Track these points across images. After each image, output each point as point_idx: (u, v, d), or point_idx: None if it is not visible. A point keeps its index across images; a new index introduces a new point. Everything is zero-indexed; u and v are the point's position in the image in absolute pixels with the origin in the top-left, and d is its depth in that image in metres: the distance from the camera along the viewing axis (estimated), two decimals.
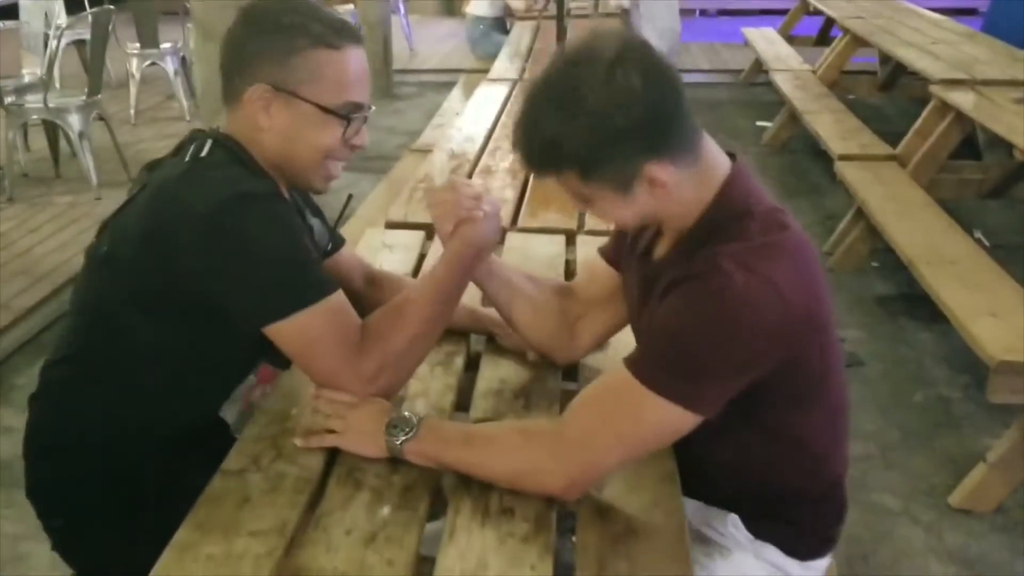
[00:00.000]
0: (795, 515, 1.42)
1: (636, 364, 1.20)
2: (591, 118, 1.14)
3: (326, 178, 1.46)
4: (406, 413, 1.34)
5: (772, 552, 1.41)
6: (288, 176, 1.45)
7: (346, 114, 1.39)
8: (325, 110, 1.37)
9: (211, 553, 1.16)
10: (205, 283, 1.30)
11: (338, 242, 1.74)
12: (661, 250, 1.35)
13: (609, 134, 1.15)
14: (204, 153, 1.37)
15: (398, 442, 1.31)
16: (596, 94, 1.13)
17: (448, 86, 6.03)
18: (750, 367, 1.18)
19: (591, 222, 2.35)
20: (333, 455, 1.38)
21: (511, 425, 1.44)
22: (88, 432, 1.47)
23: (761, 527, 1.41)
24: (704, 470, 1.36)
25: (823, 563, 1.47)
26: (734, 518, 1.41)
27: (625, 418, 1.21)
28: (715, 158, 1.27)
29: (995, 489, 2.53)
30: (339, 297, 1.36)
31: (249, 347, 1.36)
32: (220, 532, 1.20)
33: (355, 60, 1.40)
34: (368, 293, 1.73)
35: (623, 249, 1.50)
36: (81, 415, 1.47)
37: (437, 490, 1.33)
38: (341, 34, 1.38)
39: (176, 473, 1.43)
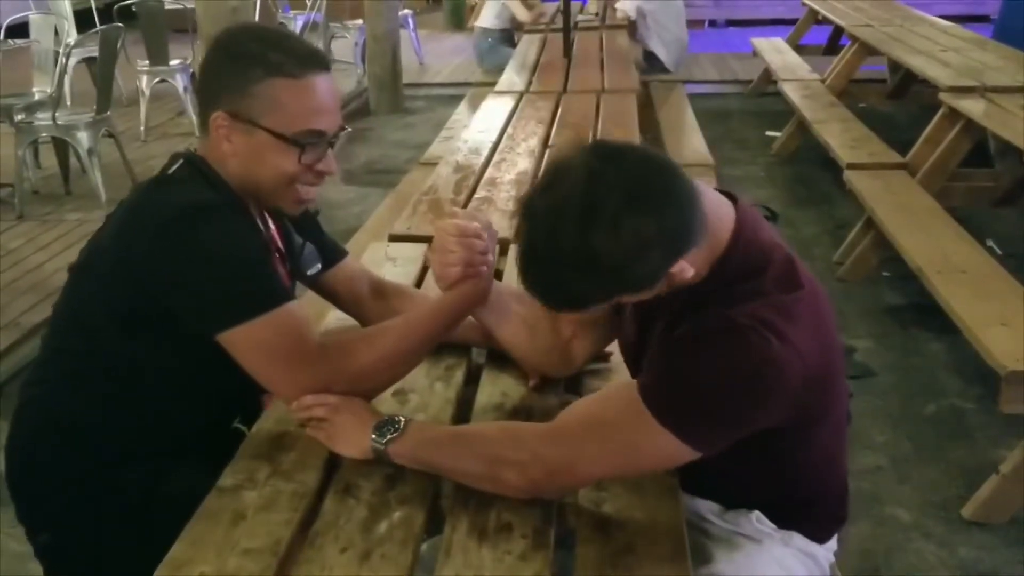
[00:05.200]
0: (811, 508, 1.44)
1: (648, 392, 1.20)
2: (612, 274, 1.12)
3: (296, 201, 1.49)
4: (394, 416, 1.35)
5: (798, 539, 1.43)
6: (258, 198, 1.48)
7: (303, 142, 1.41)
8: (281, 137, 1.40)
9: (204, 572, 1.15)
10: (162, 292, 1.35)
11: (338, 256, 1.74)
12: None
13: (631, 282, 1.15)
14: (172, 170, 1.45)
15: (384, 442, 1.31)
16: (612, 253, 1.09)
17: (458, 99, 6.04)
18: (761, 420, 1.20)
19: None
20: (330, 472, 1.37)
21: (499, 424, 1.47)
22: (65, 444, 1.48)
23: (783, 518, 1.42)
24: (717, 478, 1.37)
25: (834, 541, 1.50)
26: (757, 513, 1.41)
27: (621, 435, 1.22)
28: (718, 210, 1.23)
29: (1009, 501, 2.49)
30: (292, 308, 1.37)
31: (220, 358, 1.36)
32: (214, 550, 1.18)
33: (318, 88, 1.41)
34: (374, 303, 1.74)
35: None
36: (60, 427, 1.48)
37: (434, 507, 1.31)
38: (303, 62, 1.40)
39: (161, 482, 1.45)
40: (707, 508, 1.44)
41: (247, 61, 1.39)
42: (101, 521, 1.47)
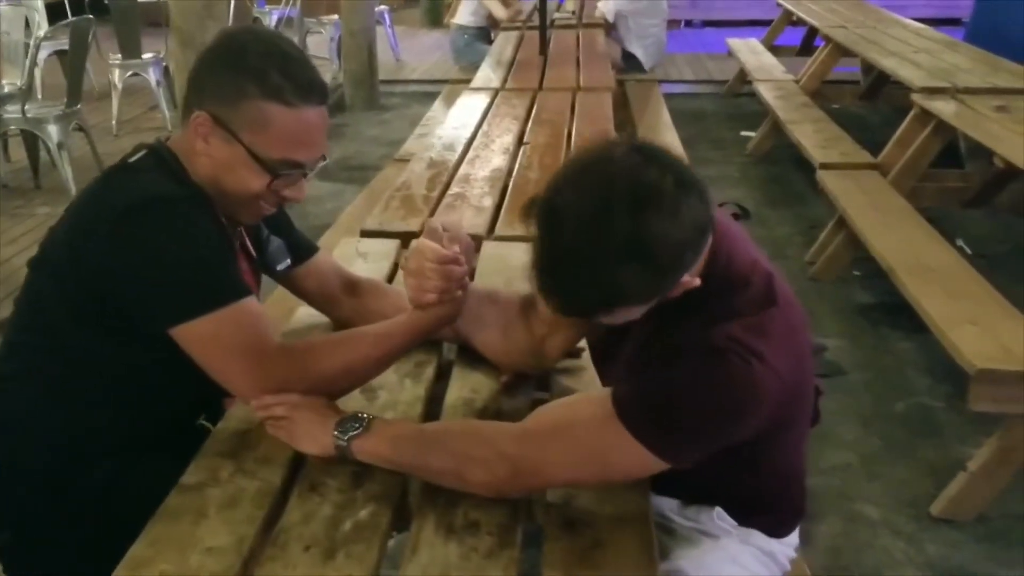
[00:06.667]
0: (772, 504, 1.44)
1: (623, 406, 1.18)
2: (665, 263, 1.06)
3: (254, 215, 1.48)
4: (358, 413, 1.33)
5: (757, 536, 1.43)
6: (218, 201, 1.45)
7: (278, 170, 1.38)
8: (257, 159, 1.37)
9: (165, 571, 1.13)
10: (116, 286, 1.33)
11: (308, 252, 1.72)
12: None
13: (673, 275, 1.09)
14: (133, 159, 1.42)
15: (346, 438, 1.30)
16: (669, 239, 1.03)
17: (433, 96, 6.02)
18: (735, 437, 1.20)
19: None
20: (295, 469, 1.35)
21: (466, 421, 1.46)
22: (26, 440, 1.45)
23: (744, 515, 1.41)
24: (680, 475, 1.35)
25: (795, 535, 1.50)
26: (718, 510, 1.41)
27: (590, 444, 1.21)
28: None
29: (976, 498, 2.51)
30: (249, 305, 1.35)
31: (182, 355, 1.34)
32: (175, 549, 1.17)
33: (310, 121, 1.38)
34: (346, 300, 1.73)
35: None
36: (19, 423, 1.46)
37: (401, 504, 1.30)
38: (301, 92, 1.36)
39: (122, 480, 1.42)
40: (667, 505, 1.43)
41: (247, 75, 1.34)
42: (60, 519, 1.45)
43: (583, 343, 1.61)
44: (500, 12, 6.71)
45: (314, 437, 1.33)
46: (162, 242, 1.31)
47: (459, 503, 1.26)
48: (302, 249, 1.71)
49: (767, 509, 1.44)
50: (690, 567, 1.36)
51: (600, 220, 1.04)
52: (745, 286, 1.22)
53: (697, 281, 1.15)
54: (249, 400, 1.37)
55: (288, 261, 1.67)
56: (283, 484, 1.32)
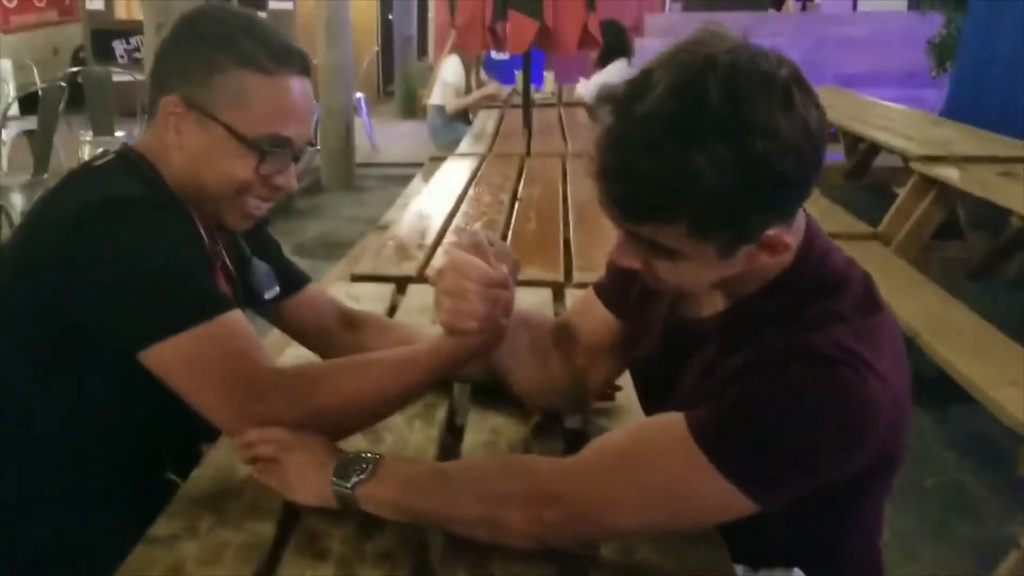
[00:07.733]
0: (853, 563, 1.22)
1: (704, 430, 0.96)
2: (759, 152, 0.86)
3: (243, 216, 1.26)
4: (361, 453, 1.09)
5: None
6: (199, 204, 1.24)
7: (264, 147, 1.19)
8: (239, 138, 1.18)
9: None
10: (71, 303, 1.10)
11: (301, 280, 1.51)
12: (704, 307, 1.14)
13: (768, 180, 0.89)
14: (98, 162, 1.22)
15: (349, 485, 1.05)
16: (770, 131, 0.86)
17: (411, 178, 5.89)
18: (844, 469, 0.98)
19: (580, 275, 2.13)
20: (290, 518, 1.10)
21: (493, 456, 1.23)
22: None
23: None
24: (749, 532, 1.11)
25: None
26: (797, 572, 1.16)
27: (661, 479, 0.98)
28: None
29: None
30: (234, 319, 1.12)
31: (144, 388, 1.10)
32: None
33: (291, 89, 1.21)
34: (344, 336, 1.49)
35: (625, 293, 1.28)
36: None
37: (421, 561, 1.05)
38: (279, 58, 1.20)
39: (67, 544, 1.18)
40: None
41: (216, 46, 1.18)
42: None
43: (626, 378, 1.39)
44: (451, 105, 6.61)
45: (310, 485, 1.09)
46: (125, 249, 1.08)
47: (492, 557, 1.02)
48: (293, 277, 1.49)
49: (848, 570, 1.21)
50: None
51: (695, 88, 0.87)
52: (844, 287, 1.02)
53: (791, 242, 0.96)
54: (233, 434, 1.12)
55: (276, 289, 1.45)
56: (275, 536, 1.06)
